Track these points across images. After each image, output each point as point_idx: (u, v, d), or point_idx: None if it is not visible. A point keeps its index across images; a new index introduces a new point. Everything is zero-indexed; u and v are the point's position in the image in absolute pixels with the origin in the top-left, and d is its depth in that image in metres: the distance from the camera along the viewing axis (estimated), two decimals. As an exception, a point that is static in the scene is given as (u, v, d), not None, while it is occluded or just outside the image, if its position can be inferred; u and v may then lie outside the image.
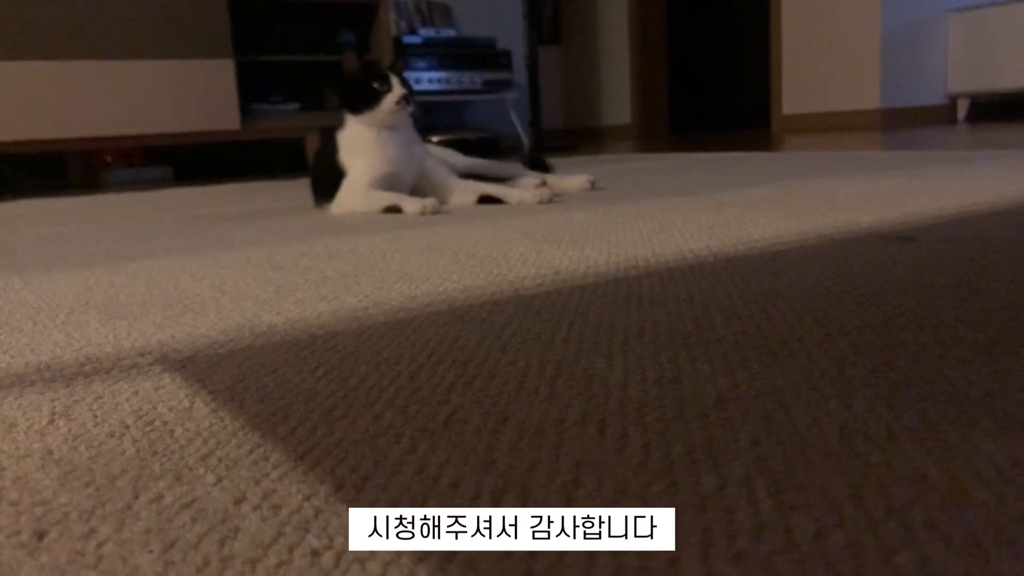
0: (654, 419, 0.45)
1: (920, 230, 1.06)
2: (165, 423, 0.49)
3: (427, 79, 4.76)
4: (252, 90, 4.02)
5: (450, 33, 5.06)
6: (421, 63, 4.73)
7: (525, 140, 5.17)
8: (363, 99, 1.71)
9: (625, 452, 0.41)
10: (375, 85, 1.69)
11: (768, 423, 0.44)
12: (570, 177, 2.00)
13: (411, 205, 1.65)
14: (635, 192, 1.82)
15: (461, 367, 0.57)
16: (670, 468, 0.39)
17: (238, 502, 0.38)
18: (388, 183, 1.74)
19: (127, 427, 0.49)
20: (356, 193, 1.74)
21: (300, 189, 2.37)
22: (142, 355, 0.66)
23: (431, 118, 5.19)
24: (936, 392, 0.47)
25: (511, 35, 5.40)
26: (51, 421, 0.51)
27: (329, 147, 1.83)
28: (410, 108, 1.72)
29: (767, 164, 2.40)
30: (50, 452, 0.46)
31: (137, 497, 0.39)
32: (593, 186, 1.98)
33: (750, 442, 0.41)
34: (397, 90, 1.69)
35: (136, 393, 0.56)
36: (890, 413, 0.44)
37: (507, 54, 5.06)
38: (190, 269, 1.10)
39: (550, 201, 1.72)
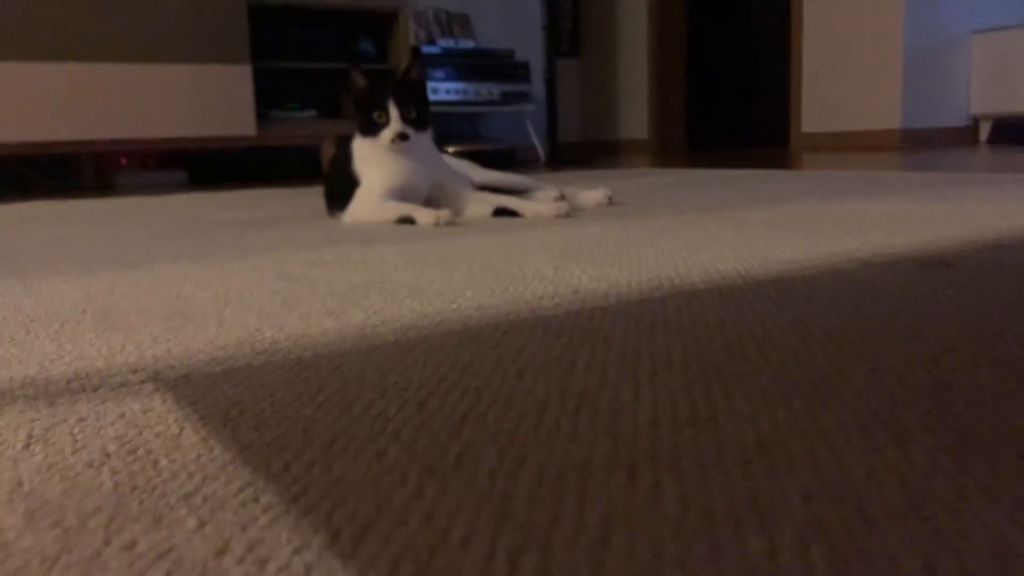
0: (690, 465, 0.40)
1: (957, 255, 1.01)
2: (149, 452, 0.45)
3: (444, 90, 4.73)
4: (269, 96, 4.01)
5: (469, 44, 5.04)
6: (439, 73, 4.71)
7: (541, 152, 5.14)
8: (367, 126, 1.67)
9: (659, 505, 0.36)
10: (374, 116, 1.65)
11: (819, 474, 0.39)
12: (587, 191, 1.96)
13: (425, 216, 1.61)
14: (654, 207, 1.78)
15: (474, 395, 0.52)
16: (711, 526, 0.34)
17: (220, 553, 0.33)
18: (402, 194, 1.70)
19: (108, 456, 0.45)
20: (369, 203, 1.71)
21: (314, 197, 2.34)
22: (134, 371, 0.62)
23: (447, 129, 5.16)
24: (1004, 441, 0.42)
25: (530, 47, 5.38)
26: (27, 446, 0.47)
27: (344, 155, 1.79)
28: (408, 143, 1.65)
29: (788, 182, 2.35)
30: (20, 483, 0.41)
31: (108, 543, 0.35)
32: (611, 201, 1.94)
33: (801, 497, 0.37)
34: (394, 125, 1.64)
35: (122, 416, 0.51)
36: (955, 465, 0.40)
37: (525, 66, 5.04)
38: (195, 277, 1.06)
39: (567, 215, 1.68)
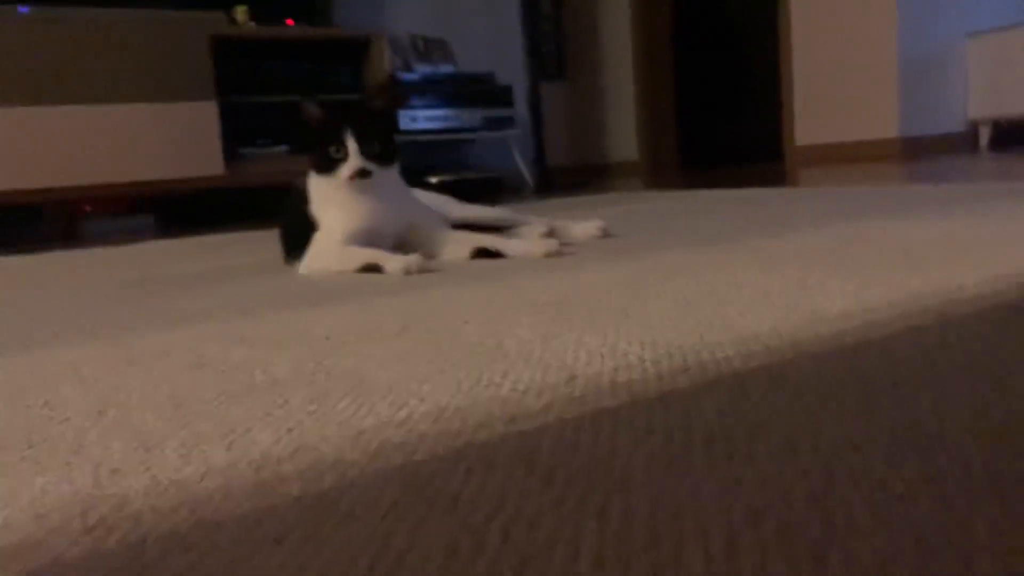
0: None
1: (1053, 296, 0.79)
2: None
3: (424, 117, 4.53)
4: (238, 133, 3.80)
5: (448, 69, 4.85)
6: (418, 101, 4.52)
7: (529, 179, 4.94)
8: (322, 163, 1.46)
9: None
10: (331, 151, 1.43)
11: None
12: (579, 223, 1.74)
13: (393, 263, 1.38)
14: (655, 240, 1.55)
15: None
16: None
17: None
18: (367, 238, 1.48)
19: None
20: (329, 250, 1.48)
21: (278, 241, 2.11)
22: None
23: (430, 159, 4.96)
24: None
25: (512, 71, 5.20)
26: None
27: (299, 196, 1.57)
28: (370, 180, 1.44)
29: (797, 202, 2.13)
30: None
31: None
32: (606, 233, 1.72)
33: None
34: (353, 161, 1.42)
35: None
36: None
37: (508, 90, 4.84)
38: (87, 367, 0.83)
39: (558, 253, 1.45)
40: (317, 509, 0.43)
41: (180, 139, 3.55)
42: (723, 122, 6.32)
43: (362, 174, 1.43)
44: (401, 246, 1.51)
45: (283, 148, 3.91)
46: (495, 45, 5.38)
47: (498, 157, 5.23)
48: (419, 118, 4.49)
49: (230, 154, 3.71)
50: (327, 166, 1.45)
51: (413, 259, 1.37)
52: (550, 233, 1.68)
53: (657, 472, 0.44)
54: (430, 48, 4.87)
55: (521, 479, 0.44)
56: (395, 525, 0.40)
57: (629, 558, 0.35)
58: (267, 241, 2.40)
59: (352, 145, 1.43)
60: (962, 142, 4.76)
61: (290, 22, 4.08)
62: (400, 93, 4.34)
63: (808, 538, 0.35)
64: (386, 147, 1.47)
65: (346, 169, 1.42)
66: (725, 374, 0.61)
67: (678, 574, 0.33)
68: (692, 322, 0.81)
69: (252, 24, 3.96)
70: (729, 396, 0.56)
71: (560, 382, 0.63)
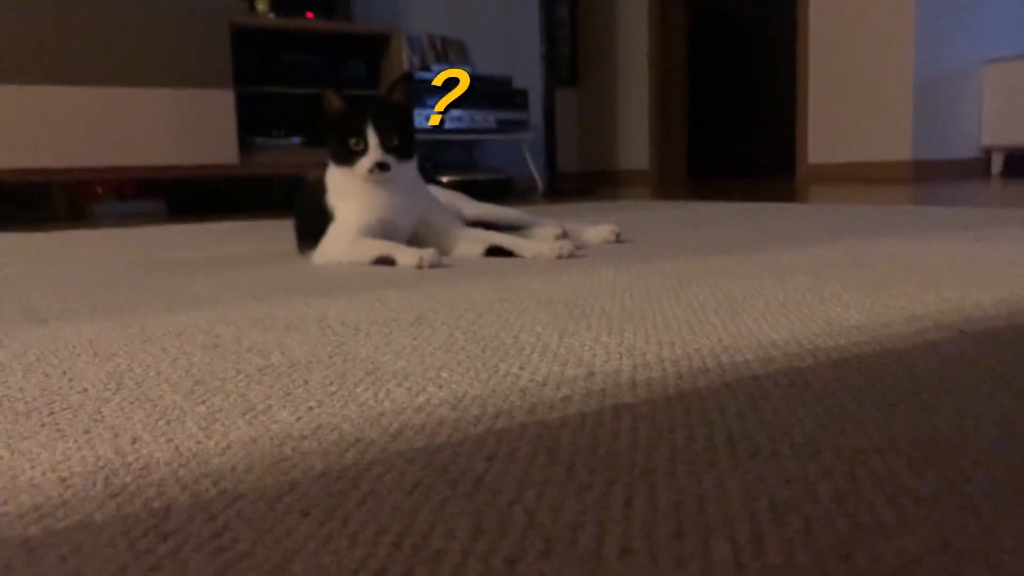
0: None
1: (1070, 319, 0.79)
2: None
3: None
4: (253, 123, 3.81)
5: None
6: (433, 100, 4.52)
7: (540, 183, 4.94)
8: (341, 154, 1.46)
9: None
10: (351, 143, 1.44)
11: None
12: (592, 227, 1.74)
13: (406, 257, 1.39)
14: (669, 247, 1.56)
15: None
16: None
17: None
18: (381, 230, 1.48)
19: None
20: (343, 241, 1.48)
21: (292, 231, 2.12)
22: (-102, 535, 0.39)
23: (442, 157, 4.97)
24: None
25: (528, 75, 5.21)
26: None
27: (316, 186, 1.57)
28: (389, 173, 1.45)
29: (809, 218, 2.13)
30: None
31: None
32: (618, 238, 1.72)
33: None
34: (373, 154, 1.42)
35: None
36: None
37: (523, 94, 4.85)
38: (102, 342, 0.84)
39: (571, 255, 1.46)
40: (340, 485, 0.43)
41: (195, 126, 3.56)
42: (734, 136, 6.32)
43: (381, 167, 1.43)
44: (415, 241, 1.52)
45: (297, 140, 3.92)
46: (511, 49, 5.39)
47: (509, 159, 5.23)
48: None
49: (244, 143, 3.72)
50: (346, 158, 1.45)
51: (427, 253, 1.37)
52: (563, 235, 1.68)
53: (680, 466, 0.44)
54: (448, 49, 4.88)
55: (543, 467, 0.45)
56: (419, 504, 0.40)
57: (655, 547, 0.35)
58: (277, 231, 2.41)
59: (372, 138, 1.43)
60: (974, 168, 4.76)
61: (310, 15, 4.10)
62: (416, 90, 4.34)
63: (834, 536, 0.35)
64: (405, 141, 1.48)
65: (366, 162, 1.43)
66: (744, 377, 0.61)
67: (705, 565, 0.33)
68: (709, 326, 0.81)
69: (272, 15, 3.97)
70: (749, 398, 0.56)
71: (579, 376, 0.63)
